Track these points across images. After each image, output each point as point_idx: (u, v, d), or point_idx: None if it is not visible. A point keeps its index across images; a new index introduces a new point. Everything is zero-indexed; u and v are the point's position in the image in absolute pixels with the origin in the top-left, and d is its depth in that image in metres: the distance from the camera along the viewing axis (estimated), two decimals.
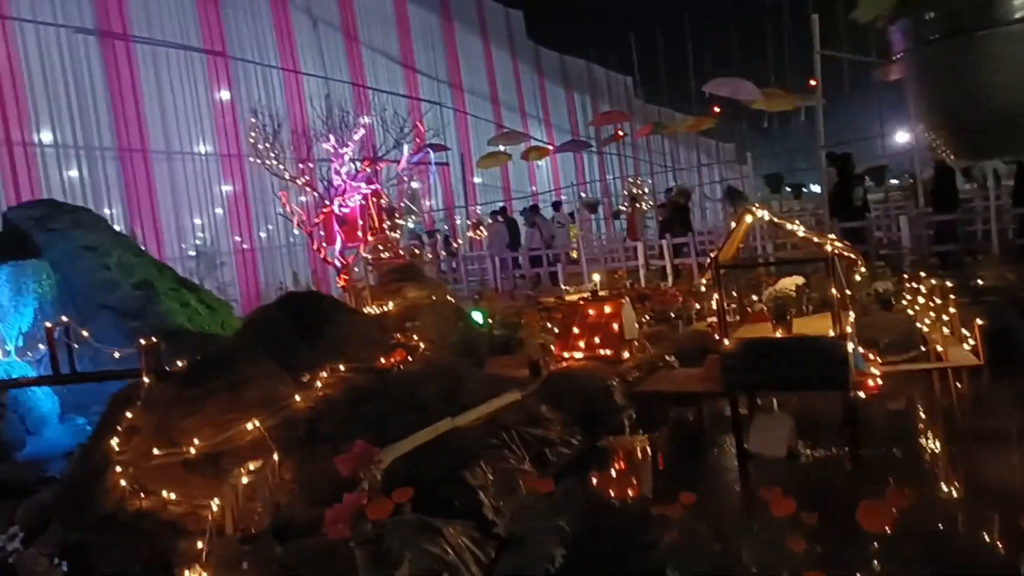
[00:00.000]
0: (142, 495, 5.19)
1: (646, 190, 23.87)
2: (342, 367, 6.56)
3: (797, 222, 7.25)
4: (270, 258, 18.77)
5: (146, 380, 7.13)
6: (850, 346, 5.87)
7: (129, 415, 6.55)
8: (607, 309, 8.76)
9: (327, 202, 16.23)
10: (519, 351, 9.45)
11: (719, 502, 5.34)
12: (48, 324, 7.70)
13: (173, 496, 5.08)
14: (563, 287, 15.39)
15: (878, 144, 24.20)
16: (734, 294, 7.45)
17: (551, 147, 24.42)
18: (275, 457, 5.00)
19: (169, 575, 4.13)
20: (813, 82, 14.67)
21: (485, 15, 31.14)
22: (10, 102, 14.50)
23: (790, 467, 5.84)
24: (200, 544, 4.08)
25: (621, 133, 19.94)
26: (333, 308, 7.57)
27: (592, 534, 4.15)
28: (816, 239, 6.27)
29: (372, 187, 16.52)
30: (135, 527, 4.98)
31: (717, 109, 18.59)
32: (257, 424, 5.41)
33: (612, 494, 5.99)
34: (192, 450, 5.39)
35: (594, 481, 6.21)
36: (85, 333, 7.90)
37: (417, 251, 16.96)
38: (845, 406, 6.01)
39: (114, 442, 5.94)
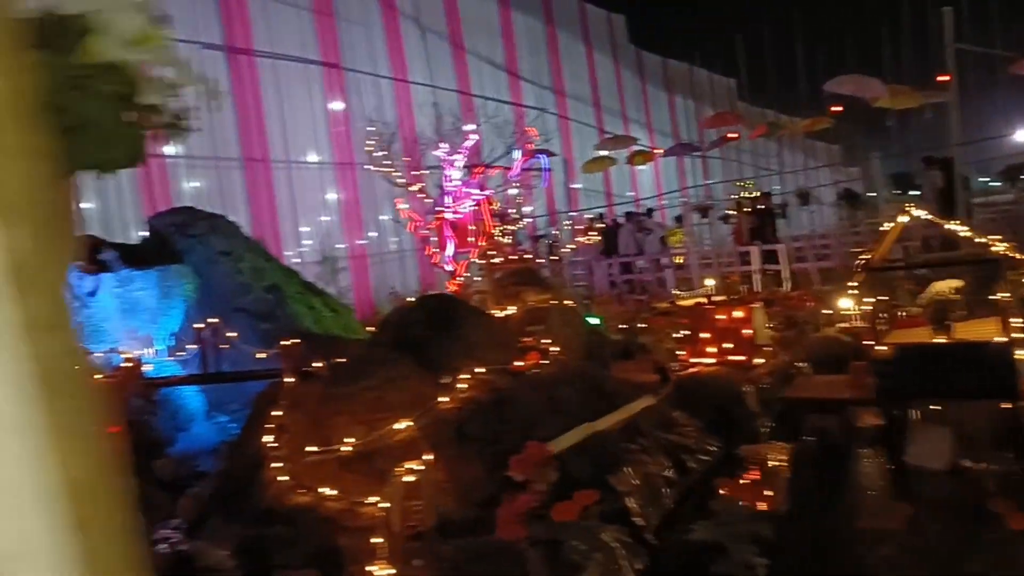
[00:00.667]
0: (300, 491, 5.35)
1: (756, 193, 23.29)
2: (478, 369, 6.60)
3: (957, 222, 6.89)
4: (379, 264, 19.18)
5: (288, 380, 7.35)
6: (1020, 352, 5.52)
7: (277, 413, 6.77)
8: (737, 314, 8.55)
9: (439, 208, 16.50)
10: (640, 355, 9.33)
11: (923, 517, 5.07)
12: (198, 325, 8.05)
13: (331, 492, 5.20)
14: (674, 292, 15.16)
15: (1004, 143, 22.92)
16: (882, 299, 7.14)
17: (658, 151, 24.13)
18: (431, 457, 5.06)
19: (338, 569, 4.21)
20: (944, 77, 13.98)
21: (588, 21, 31.10)
22: None
23: (955, 480, 5.53)
24: (374, 540, 4.14)
25: (732, 135, 19.53)
26: (465, 310, 7.64)
27: (790, 546, 4.03)
28: (981, 240, 5.93)
29: (484, 193, 16.69)
30: (296, 521, 5.13)
31: (837, 108, 17.97)
32: (409, 424, 5.50)
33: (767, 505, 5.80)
34: (345, 448, 5.51)
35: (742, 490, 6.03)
36: (231, 334, 8.22)
37: (528, 255, 16.98)
38: (1013, 416, 5.65)
39: (266, 439, 6.14)
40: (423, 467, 4.69)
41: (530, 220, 21.89)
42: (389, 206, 20.38)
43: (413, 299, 8.20)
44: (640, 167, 28.27)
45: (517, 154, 17.00)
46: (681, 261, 18.52)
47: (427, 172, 16.92)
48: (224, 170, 16.92)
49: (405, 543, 4.10)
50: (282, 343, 7.87)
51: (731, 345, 8.44)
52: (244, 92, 17.20)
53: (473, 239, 17.34)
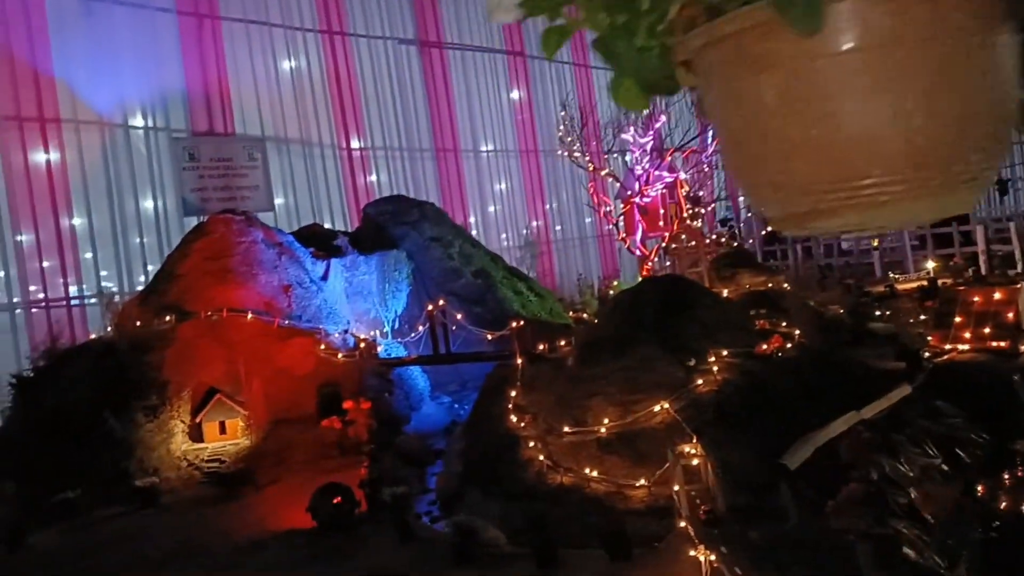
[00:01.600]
0: (562, 471, 5.31)
1: None
2: (723, 352, 6.33)
3: None
4: (562, 250, 19.17)
5: (519, 361, 7.37)
6: None
7: (513, 393, 6.78)
8: (997, 296, 7.76)
9: (629, 192, 16.22)
10: (870, 340, 8.70)
11: None
12: (430, 307, 8.25)
13: (595, 474, 5.12)
14: (891, 275, 14.15)
15: None
16: None
17: None
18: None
19: (625, 551, 4.10)
20: None
21: None
22: (348, 110, 16.02)
23: None
24: (681, 523, 4.00)
25: None
26: (698, 292, 7.38)
27: None
28: None
29: (673, 176, 16.25)
30: (561, 501, 5.09)
31: None
32: (666, 406, 5.33)
33: None
34: (603, 430, 5.42)
35: None
36: (459, 316, 8.38)
37: (723, 239, 16.40)
38: None
39: (513, 419, 6.15)
40: (700, 451, 4.49)
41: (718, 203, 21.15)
42: (571, 192, 20.47)
43: (641, 281, 7.97)
44: None
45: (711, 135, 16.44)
46: (876, 244, 17.26)
47: (616, 155, 16.71)
48: (418, 160, 17.41)
49: (700, 528, 3.93)
50: (513, 325, 7.92)
51: (989, 330, 7.66)
52: (435, 84, 17.64)
53: (663, 223, 16.93)
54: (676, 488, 4.37)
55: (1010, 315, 7.67)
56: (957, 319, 7.97)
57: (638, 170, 16.24)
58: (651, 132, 16.69)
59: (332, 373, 8.22)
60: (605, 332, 6.44)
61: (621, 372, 5.76)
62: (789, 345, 6.83)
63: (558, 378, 6.93)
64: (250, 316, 8.45)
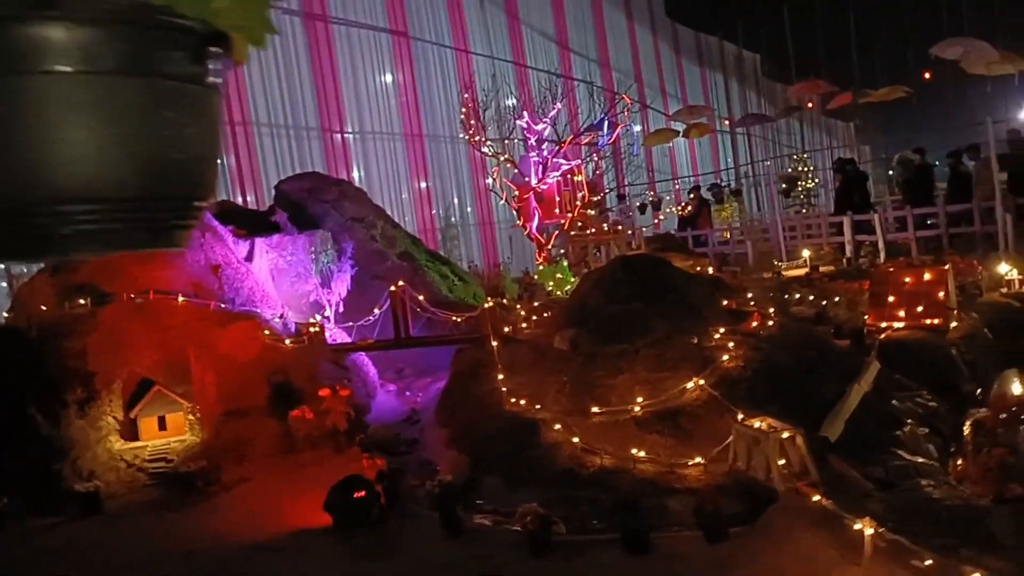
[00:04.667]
0: (600, 453, 5.10)
1: (812, 167, 23.08)
2: (722, 329, 6.36)
3: None
4: (473, 234, 18.93)
5: (494, 343, 7.11)
6: None
7: (500, 376, 6.54)
8: (927, 276, 8.32)
9: (526, 179, 16.20)
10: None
11: None
12: (392, 288, 7.76)
13: (642, 454, 4.96)
14: (776, 263, 14.93)
15: None
16: None
17: (727, 121, 23.80)
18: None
19: (722, 531, 3.97)
20: None
21: None
22: (231, 82, 14.90)
23: None
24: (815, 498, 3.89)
25: (810, 104, 19.29)
26: (674, 272, 7.38)
27: None
28: None
29: (571, 163, 16.40)
30: (606, 484, 4.89)
31: (928, 75, 17.64)
32: (701, 383, 5.26)
33: None
34: (638, 409, 5.27)
35: None
36: (421, 298, 7.94)
37: (620, 227, 16.72)
38: None
39: (515, 402, 5.90)
40: (773, 425, 4.44)
41: (613, 190, 21.55)
42: (455, 178, 20.19)
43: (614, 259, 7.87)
44: (671, 143, 27.83)
45: (606, 124, 16.72)
46: (727, 237, 18.19)
47: (512, 142, 16.65)
48: (304, 139, 16.54)
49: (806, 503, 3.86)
50: (485, 305, 7.63)
51: (922, 308, 8.20)
52: (320, 60, 16.80)
53: (559, 210, 17.04)
54: (745, 463, 4.29)
55: (940, 294, 8.23)
56: (890, 299, 8.46)
57: (534, 157, 16.24)
58: (547, 119, 16.74)
59: (279, 360, 7.53)
60: (605, 312, 6.29)
61: (645, 349, 5.63)
62: (770, 323, 6.99)
63: (545, 358, 6.72)
64: (181, 299, 7.60)
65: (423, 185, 19.06)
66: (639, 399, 5.30)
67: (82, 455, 6.37)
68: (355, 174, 17.30)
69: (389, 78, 18.73)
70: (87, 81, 0.77)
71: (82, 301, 7.36)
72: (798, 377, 5.87)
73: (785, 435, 4.28)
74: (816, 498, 3.87)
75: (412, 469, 6.04)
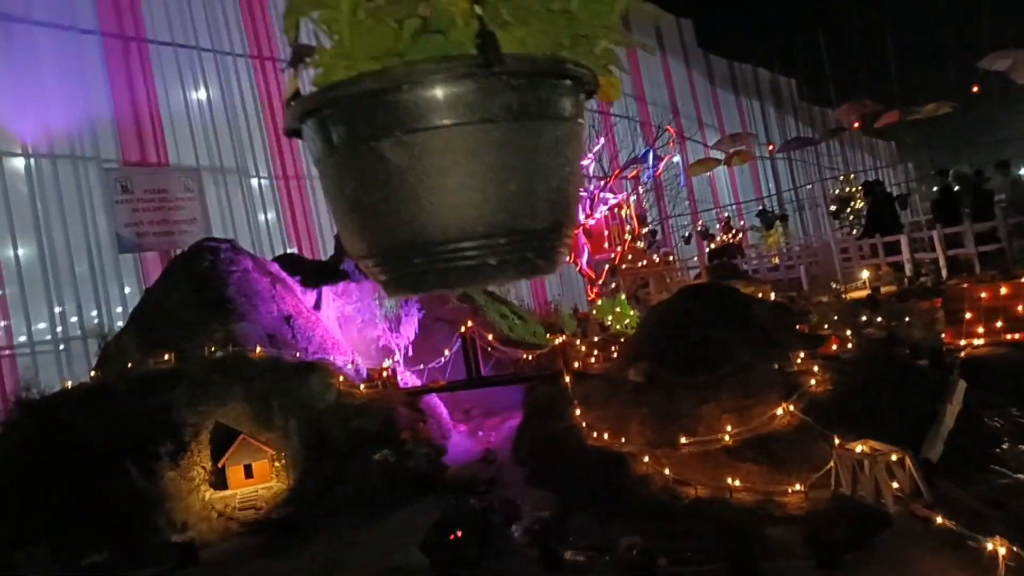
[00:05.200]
0: (691, 484, 5.08)
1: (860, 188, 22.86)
2: (802, 354, 6.32)
3: None
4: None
5: (567, 379, 7.13)
6: None
7: (578, 412, 6.54)
8: (1003, 291, 8.18)
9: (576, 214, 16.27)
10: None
11: None
12: (463, 329, 7.86)
13: (738, 483, 4.93)
14: (835, 287, 14.75)
15: None
16: None
17: (770, 147, 23.77)
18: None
19: (836, 557, 3.92)
20: None
21: (661, 26, 30.97)
22: (284, 138, 15.31)
23: None
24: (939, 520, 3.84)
25: (857, 124, 19.20)
26: (742, 297, 7.36)
27: None
28: None
29: (617, 197, 16.49)
30: (702, 514, 4.86)
31: (976, 89, 17.46)
32: (791, 408, 5.22)
33: None
34: (728, 438, 5.24)
35: None
36: (491, 337, 8.02)
37: (672, 258, 16.73)
38: None
39: (596, 436, 5.90)
40: (877, 448, 4.39)
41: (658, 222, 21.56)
42: None
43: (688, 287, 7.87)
44: (712, 172, 27.78)
45: (651, 157, 16.81)
46: (776, 262, 18.04)
47: None
48: None
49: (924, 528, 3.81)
50: (557, 343, 7.67)
51: (1001, 323, 8.05)
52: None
53: (608, 244, 17.09)
54: (850, 488, 4.24)
55: (1019, 308, 8.08)
56: (967, 316, 8.32)
57: (581, 192, 16.34)
58: (591, 155, 16.90)
59: (354, 405, 7.65)
60: (683, 342, 6.29)
61: (729, 378, 5.62)
62: (849, 346, 6.92)
63: (620, 392, 6.73)
64: (259, 351, 7.78)
65: None
66: (727, 427, 5.28)
67: (175, 506, 6.51)
68: None
69: None
70: (485, 129, 0.86)
71: (165, 356, 7.57)
72: (887, 399, 5.79)
73: (894, 457, 4.23)
74: (939, 520, 3.80)
75: (496, 508, 6.06)
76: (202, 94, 14.33)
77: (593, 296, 15.60)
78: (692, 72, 33.30)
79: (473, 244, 0.88)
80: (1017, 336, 7.97)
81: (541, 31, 0.92)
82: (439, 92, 0.86)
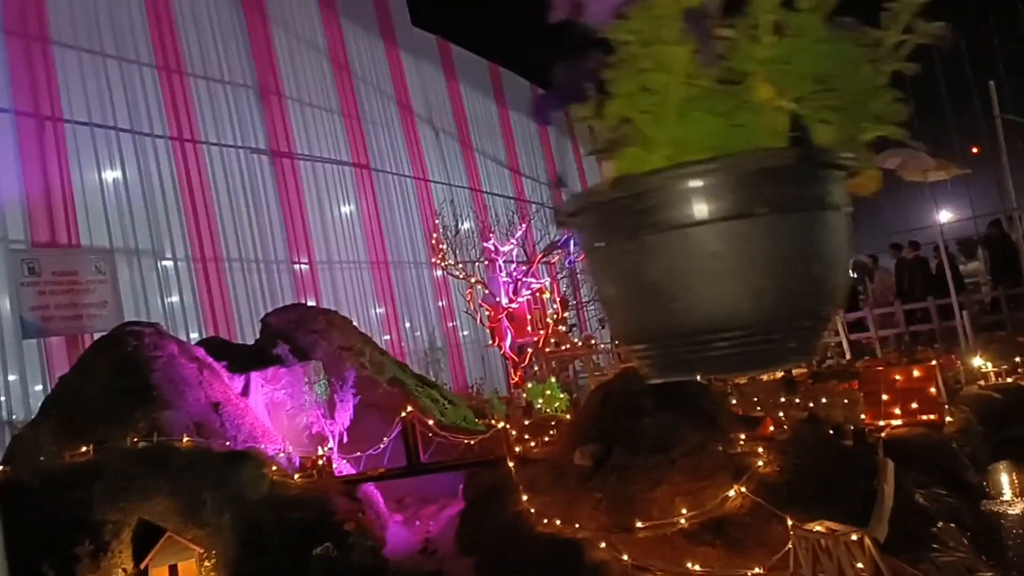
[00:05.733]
0: (649, 570, 5.07)
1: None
2: (743, 436, 6.48)
3: None
4: (442, 357, 18.88)
5: (511, 464, 7.09)
6: None
7: (525, 498, 6.49)
8: (916, 373, 8.65)
9: (497, 299, 16.48)
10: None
11: None
12: (404, 414, 7.72)
13: (698, 568, 4.94)
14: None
15: None
16: None
17: None
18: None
19: None
20: (976, 149, 14.84)
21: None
22: (202, 220, 15.04)
23: None
24: None
25: None
26: (683, 381, 7.52)
27: None
28: None
29: (540, 282, 16.78)
30: None
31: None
32: (740, 490, 5.31)
33: None
34: (684, 521, 5.28)
35: None
36: (431, 422, 7.90)
37: (593, 341, 16.98)
38: None
39: (548, 522, 5.85)
40: (833, 528, 4.50)
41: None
42: (421, 303, 20.32)
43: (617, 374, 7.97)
44: None
45: (573, 243, 17.21)
46: None
47: (477, 264, 16.99)
48: (274, 272, 16.58)
49: None
50: (495, 428, 7.63)
51: (916, 405, 8.48)
52: (288, 194, 17.10)
53: (531, 328, 17.24)
54: (810, 569, 4.32)
55: (932, 390, 8.54)
56: (884, 397, 8.74)
57: (503, 277, 16.58)
58: (513, 240, 17.19)
59: (289, 496, 7.35)
60: (634, 425, 6.35)
61: (681, 460, 5.69)
62: (784, 427, 7.14)
63: (566, 476, 6.71)
64: (186, 441, 7.42)
65: (387, 310, 19.12)
66: (683, 510, 5.32)
67: None
68: (325, 302, 17.32)
69: (353, 208, 19.10)
70: (798, 218, 0.89)
71: (84, 448, 7.12)
72: (832, 479, 5.97)
73: (853, 537, 4.35)
74: None
75: None
76: (118, 174, 13.97)
77: (517, 379, 15.63)
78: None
79: (698, 339, 0.91)
80: (933, 416, 8.41)
81: (838, 128, 0.98)
82: (758, 181, 0.89)
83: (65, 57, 13.17)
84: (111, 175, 13.94)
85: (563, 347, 16.01)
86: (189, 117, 15.08)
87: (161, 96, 14.64)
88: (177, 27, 15.29)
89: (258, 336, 10.96)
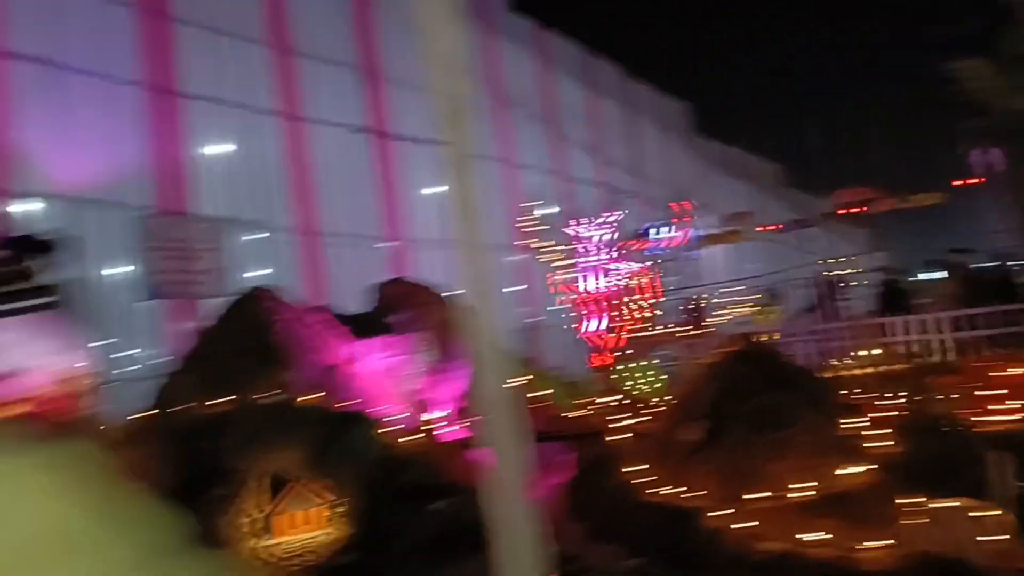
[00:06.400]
0: (769, 538, 5.21)
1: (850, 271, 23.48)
2: (851, 419, 6.53)
3: None
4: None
5: (619, 437, 7.27)
6: None
7: (633, 469, 6.67)
8: (1021, 371, 8.53)
9: (584, 284, 16.61)
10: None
11: None
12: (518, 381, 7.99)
13: (816, 537, 5.07)
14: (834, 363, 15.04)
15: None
16: None
17: (772, 227, 24.51)
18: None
19: None
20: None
21: (660, 108, 32.26)
22: (307, 195, 15.63)
23: None
24: None
25: (855, 208, 19.93)
26: (787, 365, 7.61)
27: None
28: None
29: (633, 267, 16.85)
30: (784, 568, 4.98)
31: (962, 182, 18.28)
32: (870, 467, 5.41)
33: None
34: (802, 494, 5.40)
35: None
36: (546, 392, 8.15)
37: (681, 327, 16.98)
38: None
39: (667, 491, 6.03)
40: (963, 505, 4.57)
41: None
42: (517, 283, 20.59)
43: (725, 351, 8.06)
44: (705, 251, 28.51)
45: (665, 231, 17.30)
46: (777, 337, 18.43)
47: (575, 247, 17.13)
48: (365, 248, 17.10)
49: None
50: (598, 403, 7.83)
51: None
52: (388, 174, 17.60)
53: (618, 313, 17.33)
54: (938, 543, 4.41)
55: None
56: (987, 392, 8.63)
57: (594, 262, 16.70)
58: (605, 224, 17.28)
59: (400, 457, 7.71)
60: (745, 403, 6.47)
61: (800, 437, 5.81)
62: (888, 417, 7.14)
63: (672, 451, 6.88)
64: (308, 398, 7.84)
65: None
66: (797, 484, 5.45)
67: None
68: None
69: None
70: None
71: (217, 400, 7.61)
72: (942, 464, 5.99)
73: (982, 512, 4.41)
74: None
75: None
76: (230, 147, 14.65)
77: (601, 363, 15.76)
78: (687, 153, 34.41)
79: None
80: None
81: None
82: None
83: (187, 34, 13.85)
84: (223, 148, 14.64)
85: (653, 332, 16.07)
86: (297, 94, 15.67)
87: (272, 73, 15.26)
88: (287, 6, 15.87)
89: (360, 306, 11.39)
